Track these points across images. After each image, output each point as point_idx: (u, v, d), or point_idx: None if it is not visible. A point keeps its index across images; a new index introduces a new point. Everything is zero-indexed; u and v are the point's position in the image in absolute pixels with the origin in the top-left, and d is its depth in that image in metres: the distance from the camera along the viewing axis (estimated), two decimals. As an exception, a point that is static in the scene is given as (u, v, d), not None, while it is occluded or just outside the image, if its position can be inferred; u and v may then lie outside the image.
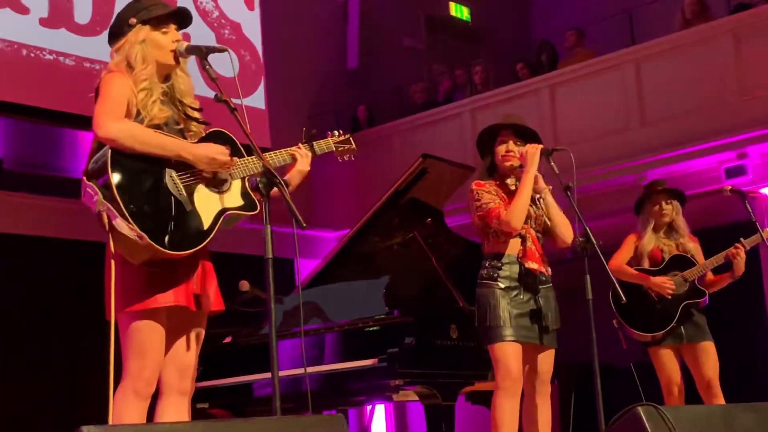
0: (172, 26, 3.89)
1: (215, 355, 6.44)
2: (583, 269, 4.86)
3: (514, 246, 4.99)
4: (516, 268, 4.97)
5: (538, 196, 5.04)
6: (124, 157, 3.56)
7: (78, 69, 9.47)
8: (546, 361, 5.04)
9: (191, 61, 3.95)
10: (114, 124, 3.59)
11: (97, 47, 9.25)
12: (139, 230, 3.45)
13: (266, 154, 3.88)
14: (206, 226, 3.68)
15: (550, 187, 5.10)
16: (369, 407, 8.34)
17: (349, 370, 5.80)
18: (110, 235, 3.55)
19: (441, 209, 6.77)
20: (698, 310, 6.20)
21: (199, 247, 3.66)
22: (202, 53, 3.83)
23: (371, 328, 5.92)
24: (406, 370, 5.55)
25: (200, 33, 9.93)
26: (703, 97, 9.41)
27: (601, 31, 11.72)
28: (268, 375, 3.50)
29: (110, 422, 3.57)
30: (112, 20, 3.94)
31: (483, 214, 5.00)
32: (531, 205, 5.00)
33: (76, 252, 9.21)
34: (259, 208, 3.82)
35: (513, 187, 5.08)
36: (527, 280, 4.96)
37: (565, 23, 12.06)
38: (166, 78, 3.89)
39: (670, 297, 6.15)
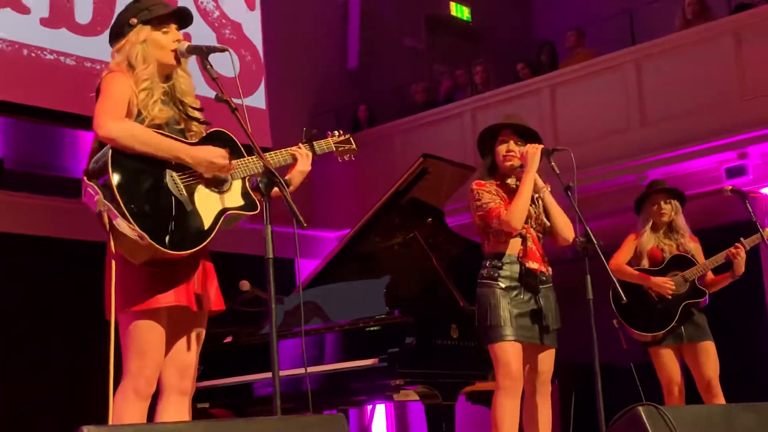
0: (173, 26, 3.90)
1: (216, 355, 6.44)
2: (583, 269, 4.86)
3: (514, 246, 4.99)
4: (516, 268, 4.97)
5: (536, 195, 5.04)
6: (124, 157, 3.56)
7: (79, 69, 9.47)
8: (546, 360, 5.04)
9: (192, 61, 3.95)
10: (114, 124, 3.59)
11: (97, 47, 9.25)
12: (139, 230, 3.46)
13: (267, 154, 3.88)
14: (207, 226, 3.69)
15: (549, 186, 5.10)
16: (369, 407, 8.35)
17: (350, 369, 5.80)
18: (111, 235, 3.55)
19: (441, 209, 6.77)
20: (698, 309, 6.21)
21: (200, 247, 3.66)
22: (202, 53, 3.83)
23: (372, 328, 5.92)
24: (407, 370, 5.55)
25: (201, 33, 9.94)
26: (704, 97, 9.41)
27: (602, 31, 11.71)
28: (269, 375, 3.50)
29: (110, 422, 3.57)
30: (113, 20, 3.94)
31: (483, 214, 5.01)
32: (531, 205, 5.01)
33: (76, 252, 9.20)
34: (259, 208, 3.82)
35: (514, 187, 5.08)
36: (528, 280, 4.97)
37: (565, 23, 12.06)
38: (167, 78, 3.89)
39: (670, 297, 6.15)
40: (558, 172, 4.96)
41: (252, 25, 11.40)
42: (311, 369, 5.90)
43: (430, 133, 11.34)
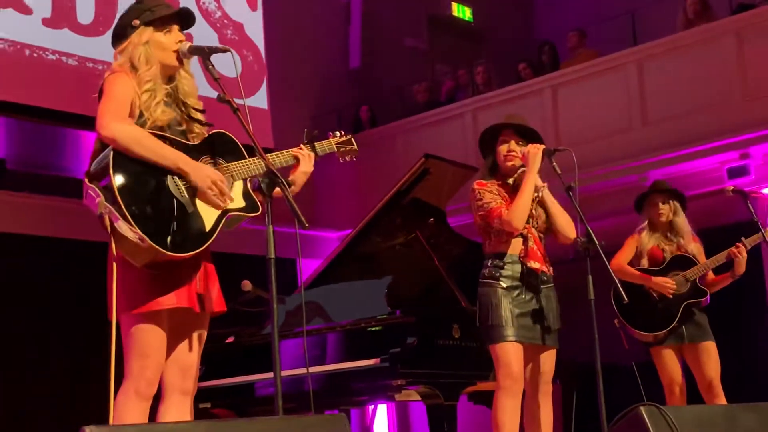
0: (175, 27, 3.90)
1: (218, 355, 6.45)
2: (584, 269, 4.86)
3: (515, 245, 5.00)
4: (518, 268, 4.97)
5: (536, 194, 5.04)
6: (126, 159, 3.55)
7: (81, 69, 9.48)
8: (548, 361, 5.04)
9: (194, 62, 3.95)
10: (117, 125, 3.59)
11: (99, 47, 9.27)
12: (140, 232, 3.45)
13: (269, 155, 3.88)
14: (208, 227, 3.68)
15: (546, 184, 5.10)
16: (371, 407, 8.35)
17: (352, 370, 5.80)
18: (112, 237, 3.55)
19: (443, 209, 6.77)
20: (700, 309, 6.21)
21: (202, 248, 3.66)
22: (204, 53, 3.83)
23: (373, 328, 5.93)
24: (408, 370, 5.56)
25: (203, 33, 9.94)
26: (706, 98, 9.40)
27: (604, 31, 11.71)
28: (271, 375, 3.50)
29: (111, 423, 3.57)
30: (115, 22, 3.94)
31: (485, 214, 5.01)
32: (532, 205, 5.01)
33: (77, 252, 9.21)
34: (261, 209, 3.82)
35: (515, 187, 5.09)
36: (529, 280, 4.97)
37: (567, 23, 12.06)
38: (169, 79, 3.89)
39: (671, 297, 6.15)
40: (559, 172, 4.97)
41: (254, 26, 11.40)
42: (313, 369, 5.91)
43: (432, 134, 11.34)
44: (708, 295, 6.23)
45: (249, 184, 3.88)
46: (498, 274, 4.96)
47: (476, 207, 5.06)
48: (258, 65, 11.32)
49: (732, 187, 6.40)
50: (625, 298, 4.97)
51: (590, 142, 9.79)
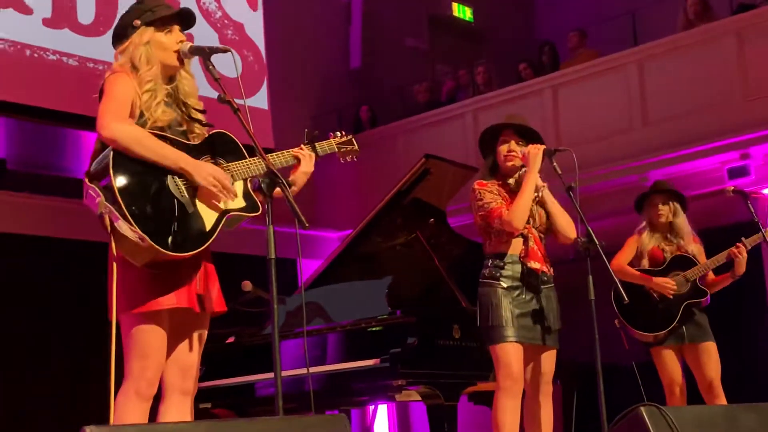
0: (176, 27, 3.90)
1: (218, 355, 6.45)
2: (585, 269, 4.86)
3: (516, 246, 5.00)
4: (518, 268, 4.97)
5: (536, 194, 5.04)
6: (126, 159, 3.55)
7: (81, 69, 9.48)
8: (548, 361, 5.04)
9: (194, 62, 3.95)
10: (118, 125, 3.59)
11: (100, 47, 9.27)
12: (140, 232, 3.45)
13: (269, 155, 3.88)
14: (208, 227, 3.68)
15: (546, 184, 5.10)
16: (372, 407, 8.35)
17: (352, 370, 5.80)
18: (112, 237, 3.55)
19: (444, 209, 6.77)
20: (700, 309, 6.21)
21: (202, 248, 3.66)
22: (205, 54, 3.83)
23: (374, 329, 5.93)
24: (409, 371, 5.56)
25: (203, 33, 9.94)
26: (706, 98, 9.41)
27: (604, 31, 11.71)
28: (271, 375, 3.50)
29: (111, 423, 3.57)
30: (116, 22, 3.94)
31: (485, 214, 5.01)
32: (533, 205, 5.01)
33: (77, 252, 9.22)
34: (261, 209, 3.82)
35: (515, 187, 5.09)
36: (529, 280, 4.97)
37: (567, 24, 12.06)
38: (170, 79, 3.89)
39: (671, 297, 6.15)
40: (560, 172, 4.97)
41: (254, 26, 11.40)
42: (313, 369, 5.91)
43: (432, 134, 11.35)
44: (708, 296, 6.23)
45: (249, 184, 3.88)
46: (498, 274, 4.96)
47: (477, 207, 5.06)
48: (258, 65, 11.32)
49: (732, 188, 6.40)
50: (626, 299, 4.97)
51: (591, 142, 9.79)
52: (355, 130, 11.01)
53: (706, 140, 9.27)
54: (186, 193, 3.66)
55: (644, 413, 4.16)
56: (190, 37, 3.96)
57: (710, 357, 6.09)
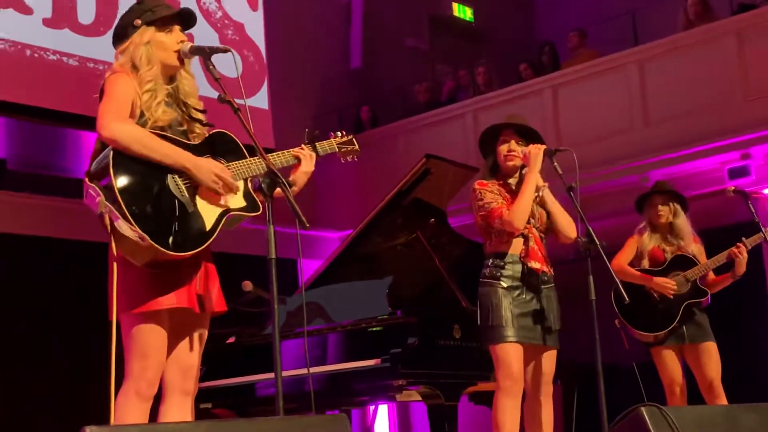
0: (177, 27, 3.90)
1: (219, 356, 6.45)
2: (585, 269, 4.86)
3: (516, 245, 5.00)
4: (519, 268, 4.97)
5: (537, 194, 5.04)
6: (126, 159, 3.55)
7: (81, 69, 9.48)
8: (548, 361, 5.04)
9: (195, 62, 3.95)
10: (118, 125, 3.59)
11: (100, 47, 9.27)
12: (141, 231, 3.45)
13: (270, 155, 3.88)
14: (209, 227, 3.68)
15: (547, 184, 5.10)
16: (372, 407, 8.35)
17: (352, 370, 5.80)
18: (112, 237, 3.55)
19: (444, 210, 6.77)
20: (700, 309, 6.21)
21: (202, 248, 3.66)
22: (205, 54, 3.83)
23: (374, 329, 5.92)
24: (409, 371, 5.55)
25: (204, 33, 9.93)
26: (707, 98, 9.40)
27: (604, 31, 11.71)
28: (271, 375, 3.50)
29: (112, 423, 3.57)
30: (116, 22, 3.94)
31: (485, 214, 5.01)
32: (533, 205, 5.01)
33: (77, 252, 9.22)
34: (261, 209, 3.82)
35: (515, 187, 5.09)
36: (530, 280, 4.97)
37: (568, 24, 12.06)
38: (170, 79, 3.89)
39: (672, 297, 6.15)
40: (560, 172, 4.97)
41: (254, 26, 11.40)
42: (314, 369, 5.91)
43: (433, 134, 11.35)
44: (708, 296, 6.23)
45: (250, 184, 3.87)
46: (499, 274, 4.96)
47: (477, 207, 5.05)
48: (259, 65, 11.32)
49: (733, 188, 6.40)
50: (627, 299, 4.97)
51: (591, 142, 9.79)
52: (356, 130, 11.01)
53: (706, 140, 9.26)
54: (186, 193, 3.66)
55: (645, 413, 4.16)
56: (191, 37, 3.96)
57: (711, 357, 6.09)
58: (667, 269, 6.22)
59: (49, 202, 9.62)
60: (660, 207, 6.26)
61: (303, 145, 4.15)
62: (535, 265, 4.97)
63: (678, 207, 6.28)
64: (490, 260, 5.03)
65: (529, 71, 11.28)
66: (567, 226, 5.08)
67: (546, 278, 5.03)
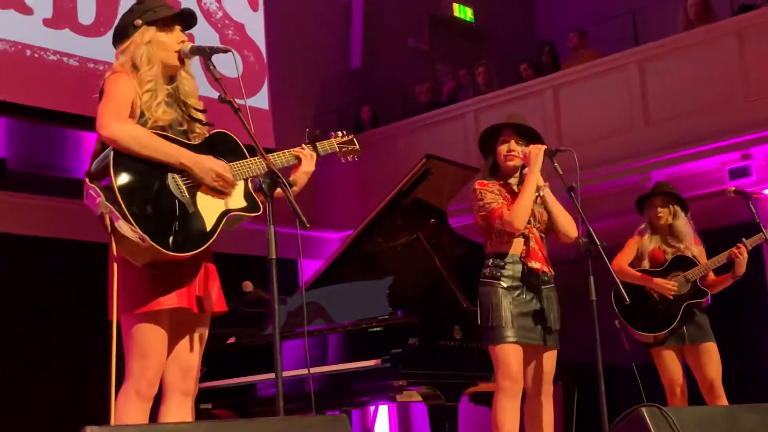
0: (177, 27, 3.89)
1: (219, 356, 6.45)
2: (586, 270, 4.86)
3: (517, 246, 4.99)
4: (519, 268, 4.97)
5: (537, 194, 5.04)
6: (126, 159, 3.55)
7: (82, 69, 9.48)
8: (549, 361, 5.04)
9: (195, 62, 3.95)
10: (118, 125, 3.59)
11: (100, 48, 9.27)
12: (141, 232, 3.45)
13: (270, 155, 3.88)
14: (209, 227, 3.68)
15: (548, 184, 5.10)
16: (372, 408, 8.35)
17: (353, 370, 5.80)
18: (113, 237, 3.55)
19: (444, 210, 6.77)
20: (700, 310, 6.21)
21: (202, 248, 3.66)
22: (206, 54, 3.83)
23: (375, 329, 5.92)
24: (410, 371, 5.55)
25: (204, 33, 9.93)
26: (707, 98, 9.40)
27: (605, 31, 11.71)
28: (272, 375, 3.50)
29: (112, 423, 3.57)
30: (117, 21, 3.94)
31: (486, 214, 5.01)
32: (534, 205, 5.01)
33: (77, 252, 9.22)
34: (262, 209, 3.81)
35: (516, 187, 5.09)
36: (530, 280, 4.96)
37: (568, 24, 12.06)
38: (170, 79, 3.89)
39: (672, 297, 6.15)
40: (561, 172, 4.96)
41: (255, 26, 11.40)
42: (314, 370, 5.91)
43: (433, 134, 11.35)
44: (709, 296, 6.23)
45: (250, 184, 3.87)
46: (499, 274, 4.96)
47: (477, 207, 5.05)
48: (259, 65, 11.32)
49: (733, 188, 6.39)
50: (627, 299, 4.96)
51: (592, 142, 9.79)
52: (356, 131, 10.99)
53: (707, 141, 9.26)
54: (187, 193, 3.66)
55: (645, 414, 4.15)
56: (191, 37, 3.96)
57: (711, 357, 6.09)
58: (667, 270, 6.22)
59: (49, 202, 9.62)
60: (659, 209, 6.26)
61: (303, 145, 4.15)
62: (535, 265, 4.96)
63: (678, 209, 6.27)
64: (491, 260, 5.02)
65: (529, 71, 11.27)
66: (568, 226, 5.08)
67: (546, 278, 5.03)
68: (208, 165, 3.70)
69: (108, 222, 3.52)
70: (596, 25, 11.81)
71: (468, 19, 15.49)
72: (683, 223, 6.27)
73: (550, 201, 5.08)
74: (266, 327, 6.59)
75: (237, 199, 3.81)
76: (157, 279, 3.62)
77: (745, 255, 6.09)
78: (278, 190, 3.66)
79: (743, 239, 6.11)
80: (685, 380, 6.17)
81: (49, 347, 9.30)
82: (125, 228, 3.47)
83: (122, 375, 3.65)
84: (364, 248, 6.71)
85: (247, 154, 3.88)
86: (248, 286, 6.13)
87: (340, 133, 4.37)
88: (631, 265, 6.30)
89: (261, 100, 11.11)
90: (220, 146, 3.84)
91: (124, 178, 3.52)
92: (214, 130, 3.89)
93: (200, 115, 3.91)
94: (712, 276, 6.29)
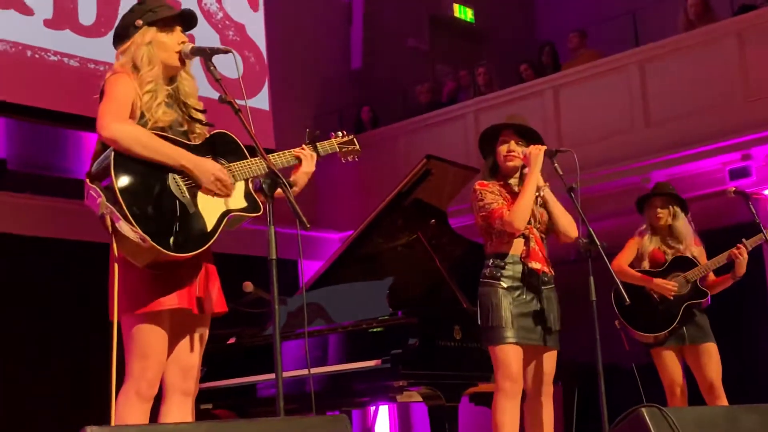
0: (178, 28, 3.90)
1: (219, 356, 6.45)
2: (586, 270, 4.86)
3: (517, 246, 4.99)
4: (519, 268, 4.97)
5: (537, 194, 5.04)
6: (127, 160, 3.55)
7: (82, 70, 9.48)
8: (549, 362, 5.03)
9: (195, 62, 3.95)
10: (118, 126, 3.59)
11: (101, 48, 9.27)
12: (142, 232, 3.45)
13: (270, 155, 3.88)
14: (209, 227, 3.68)
15: (548, 184, 5.10)
16: (373, 408, 8.35)
17: (353, 371, 5.80)
18: (113, 238, 3.55)
19: (445, 210, 6.77)
20: (700, 310, 6.20)
21: (203, 248, 3.66)
22: (206, 54, 3.83)
23: (375, 329, 5.92)
24: (410, 371, 5.55)
25: (204, 34, 9.94)
26: (707, 99, 9.40)
27: (605, 31, 11.71)
28: (272, 376, 3.50)
29: (112, 423, 3.57)
30: (118, 22, 3.94)
31: (486, 215, 5.00)
32: (534, 205, 5.01)
33: (78, 253, 9.22)
34: (262, 209, 3.82)
35: (516, 188, 5.09)
36: (530, 280, 4.96)
37: (568, 24, 12.06)
38: (170, 80, 3.89)
39: (672, 298, 6.15)
40: (561, 173, 4.96)
41: (255, 26, 11.41)
42: (314, 370, 5.91)
43: (434, 135, 11.35)
44: (709, 297, 6.23)
45: (251, 185, 3.87)
46: (499, 274, 4.95)
47: (478, 208, 5.05)
48: (259, 66, 11.32)
49: (734, 189, 6.39)
50: (627, 300, 4.96)
51: (592, 143, 9.80)
52: (356, 131, 10.98)
53: (707, 141, 9.26)
54: (187, 194, 3.66)
55: (645, 414, 4.15)
56: (191, 38, 3.96)
57: (711, 358, 6.09)
58: (668, 270, 6.22)
59: (50, 202, 9.62)
60: (659, 209, 6.26)
61: (304, 146, 4.15)
62: (535, 265, 4.96)
63: (677, 209, 6.27)
64: (491, 260, 5.02)
65: (529, 72, 11.27)
66: (568, 226, 5.08)
67: (546, 279, 5.03)
68: (208, 168, 3.70)
69: (109, 222, 3.52)
70: (596, 25, 11.81)
71: (468, 19, 15.50)
72: (683, 224, 6.27)
73: (551, 201, 5.08)
74: (266, 327, 6.59)
75: (238, 200, 3.81)
76: (158, 279, 3.62)
77: (745, 255, 6.09)
78: (279, 190, 3.66)
79: (743, 240, 6.11)
80: (685, 380, 6.17)
81: (49, 347, 9.30)
82: (126, 228, 3.47)
83: (122, 375, 3.65)
84: (365, 249, 6.71)
85: (247, 154, 3.88)
86: (248, 286, 6.13)
87: (340, 134, 4.37)
88: (631, 265, 6.30)
89: (261, 100, 11.12)
90: (220, 147, 3.84)
91: (124, 179, 3.52)
92: (215, 131, 3.89)
93: (200, 116, 3.91)
94: (712, 276, 6.29)
